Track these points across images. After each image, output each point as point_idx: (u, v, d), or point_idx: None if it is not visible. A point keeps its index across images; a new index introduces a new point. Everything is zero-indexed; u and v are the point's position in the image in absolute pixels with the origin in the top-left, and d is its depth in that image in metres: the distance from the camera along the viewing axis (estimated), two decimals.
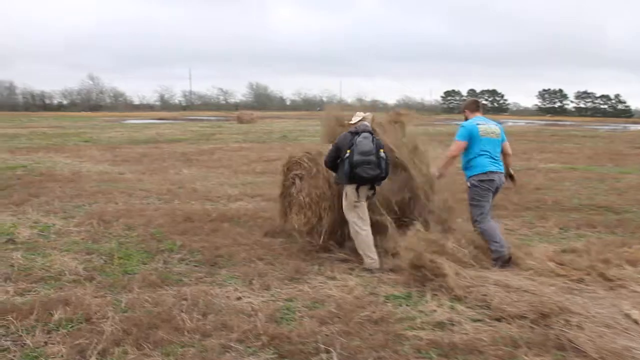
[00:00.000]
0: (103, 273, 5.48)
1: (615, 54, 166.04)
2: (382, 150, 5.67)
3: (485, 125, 6.01)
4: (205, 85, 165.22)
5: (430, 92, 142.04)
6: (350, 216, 5.89)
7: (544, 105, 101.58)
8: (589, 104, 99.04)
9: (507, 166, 6.18)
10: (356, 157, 5.54)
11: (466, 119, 6.19)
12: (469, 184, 5.96)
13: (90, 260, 5.85)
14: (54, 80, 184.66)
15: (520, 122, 59.92)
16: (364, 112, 6.12)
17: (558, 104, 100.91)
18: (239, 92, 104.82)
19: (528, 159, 17.75)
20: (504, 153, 6.13)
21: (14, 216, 7.91)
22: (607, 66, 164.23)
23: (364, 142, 5.60)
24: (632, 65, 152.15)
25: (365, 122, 5.97)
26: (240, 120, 43.94)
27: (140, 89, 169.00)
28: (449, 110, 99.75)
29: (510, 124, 55.12)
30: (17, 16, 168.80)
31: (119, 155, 17.14)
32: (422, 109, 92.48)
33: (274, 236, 7.00)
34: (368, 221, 5.89)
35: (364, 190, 5.79)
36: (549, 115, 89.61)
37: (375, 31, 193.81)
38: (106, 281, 5.20)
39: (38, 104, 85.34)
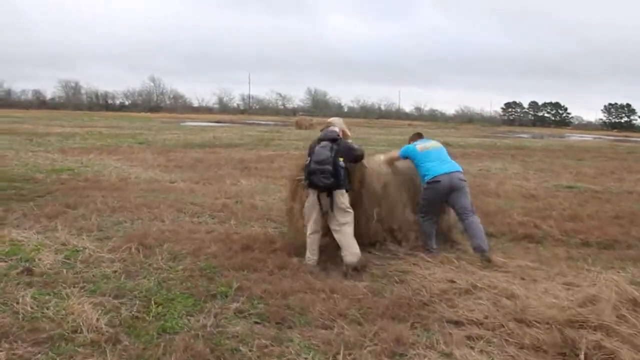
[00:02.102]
0: (133, 331, 4.00)
1: None
2: (341, 159, 5.66)
3: (423, 143, 6.69)
4: (264, 90, 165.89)
5: (490, 103, 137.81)
6: (305, 218, 6.05)
7: (610, 120, 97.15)
8: None
9: None
10: (312, 166, 5.63)
11: None
12: (423, 187, 6.47)
13: (118, 309, 4.39)
14: (117, 82, 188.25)
15: (587, 137, 56.73)
16: (336, 119, 6.44)
17: (625, 119, 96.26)
18: (297, 98, 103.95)
19: (619, 179, 15.65)
20: None
21: (42, 234, 6.60)
22: None
23: (320, 151, 5.65)
24: None
25: (333, 128, 6.08)
26: (299, 125, 42.76)
27: (199, 91, 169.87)
28: (509, 122, 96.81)
29: (575, 138, 52.22)
30: (84, 19, 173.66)
31: (172, 160, 15.94)
32: (482, 120, 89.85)
33: (356, 277, 5.46)
34: (318, 227, 5.92)
35: (324, 198, 5.76)
36: (615, 130, 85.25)
37: (435, 40, 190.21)
38: (134, 348, 3.72)
39: (101, 104, 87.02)
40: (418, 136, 7.09)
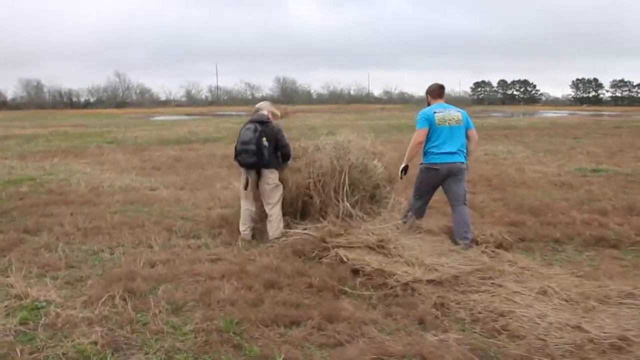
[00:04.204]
0: None
1: None
2: (265, 139, 5.98)
3: (444, 112, 6.00)
4: (233, 80, 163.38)
5: (459, 83, 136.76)
6: (241, 196, 6.40)
7: (578, 95, 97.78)
8: (625, 93, 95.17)
9: (468, 153, 6.15)
10: (238, 147, 6.05)
11: (428, 104, 6.21)
12: (420, 167, 6.12)
13: None
14: (81, 78, 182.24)
15: (562, 113, 56.33)
16: (265, 103, 6.61)
17: (592, 94, 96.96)
18: (266, 87, 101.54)
19: (636, 158, 14.54)
20: (468, 139, 6.12)
21: None
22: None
23: (245, 133, 6.03)
24: None
25: (262, 112, 6.34)
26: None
27: (167, 85, 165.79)
28: (479, 101, 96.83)
29: (550, 114, 51.61)
30: (44, 15, 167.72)
31: (147, 160, 14.15)
32: (452, 100, 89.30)
33: (438, 326, 3.90)
34: (250, 201, 6.30)
35: (252, 175, 6.17)
36: (585, 105, 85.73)
37: (400, 23, 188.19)
38: None
39: (65, 102, 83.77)
40: (439, 92, 6.26)
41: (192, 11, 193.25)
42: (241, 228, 6.30)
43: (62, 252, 5.72)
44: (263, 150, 5.95)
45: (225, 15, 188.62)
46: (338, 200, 6.16)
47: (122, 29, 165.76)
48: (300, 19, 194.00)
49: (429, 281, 4.58)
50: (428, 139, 5.95)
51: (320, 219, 5.92)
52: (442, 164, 5.88)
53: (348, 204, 6.09)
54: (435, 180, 6.00)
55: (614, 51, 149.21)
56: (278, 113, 6.60)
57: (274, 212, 6.14)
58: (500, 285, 4.56)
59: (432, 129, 5.92)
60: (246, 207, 6.30)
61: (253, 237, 6.28)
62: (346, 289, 4.56)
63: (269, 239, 6.05)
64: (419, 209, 6.21)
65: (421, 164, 6.09)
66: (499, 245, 5.81)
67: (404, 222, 5.97)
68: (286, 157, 6.37)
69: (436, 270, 4.81)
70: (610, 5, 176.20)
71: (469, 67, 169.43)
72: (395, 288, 4.56)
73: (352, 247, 5.28)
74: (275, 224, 6.11)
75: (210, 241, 6.18)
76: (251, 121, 6.18)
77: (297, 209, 6.41)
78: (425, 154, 6.02)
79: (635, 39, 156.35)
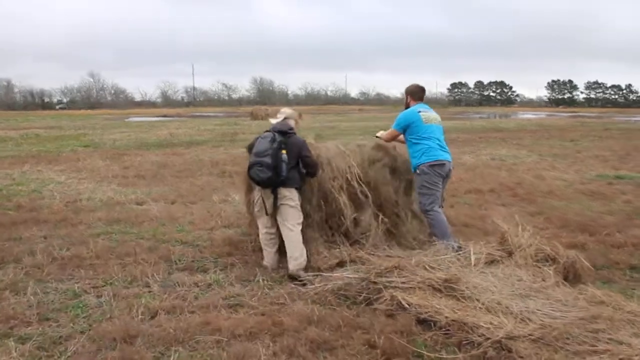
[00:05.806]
0: None
1: (621, 45, 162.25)
2: (284, 152, 5.00)
3: (428, 112, 5.93)
4: (209, 81, 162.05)
5: (436, 85, 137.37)
6: (257, 220, 5.41)
7: (553, 96, 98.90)
8: (599, 95, 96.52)
9: None
10: (251, 159, 5.09)
11: (407, 106, 6.11)
12: (417, 171, 5.77)
13: None
14: (54, 79, 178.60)
15: (541, 114, 56.45)
16: (289, 110, 5.69)
17: (567, 95, 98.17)
18: (243, 88, 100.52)
19: None
20: None
21: None
22: (613, 57, 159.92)
23: (261, 142, 5.09)
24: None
25: (289, 121, 5.41)
26: (254, 116, 40.04)
27: (142, 85, 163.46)
28: (456, 102, 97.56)
29: (530, 116, 51.51)
30: (15, 14, 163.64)
31: (129, 167, 12.79)
32: (429, 101, 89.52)
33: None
34: (268, 222, 5.23)
35: (267, 194, 5.08)
36: (561, 106, 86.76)
37: (376, 25, 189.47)
38: None
39: (37, 103, 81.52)
40: (420, 95, 6.19)
41: (168, 11, 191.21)
42: (265, 256, 5.31)
43: (34, 295, 4.44)
44: (280, 164, 4.97)
45: (201, 15, 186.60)
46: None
47: (96, 29, 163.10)
48: (278, 20, 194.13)
49: (534, 341, 3.43)
50: (421, 137, 5.77)
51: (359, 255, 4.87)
52: (446, 161, 5.79)
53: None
54: (441, 175, 5.77)
55: (587, 53, 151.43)
56: (300, 123, 5.76)
57: (293, 239, 5.05)
58: (620, 342, 3.45)
59: (422, 128, 5.78)
60: (265, 230, 5.29)
61: (279, 262, 5.30)
62: (423, 351, 3.40)
63: (289, 273, 4.95)
64: (443, 220, 5.72)
65: (421, 165, 5.73)
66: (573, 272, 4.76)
67: (457, 247, 5.27)
68: (312, 175, 5.31)
69: (529, 320, 3.69)
70: (582, 10, 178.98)
71: (444, 68, 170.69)
72: (485, 347, 3.42)
73: (410, 287, 4.12)
74: (294, 253, 5.00)
75: (222, 276, 4.93)
76: (271, 130, 5.22)
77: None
78: (424, 152, 5.74)
79: (607, 41, 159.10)
